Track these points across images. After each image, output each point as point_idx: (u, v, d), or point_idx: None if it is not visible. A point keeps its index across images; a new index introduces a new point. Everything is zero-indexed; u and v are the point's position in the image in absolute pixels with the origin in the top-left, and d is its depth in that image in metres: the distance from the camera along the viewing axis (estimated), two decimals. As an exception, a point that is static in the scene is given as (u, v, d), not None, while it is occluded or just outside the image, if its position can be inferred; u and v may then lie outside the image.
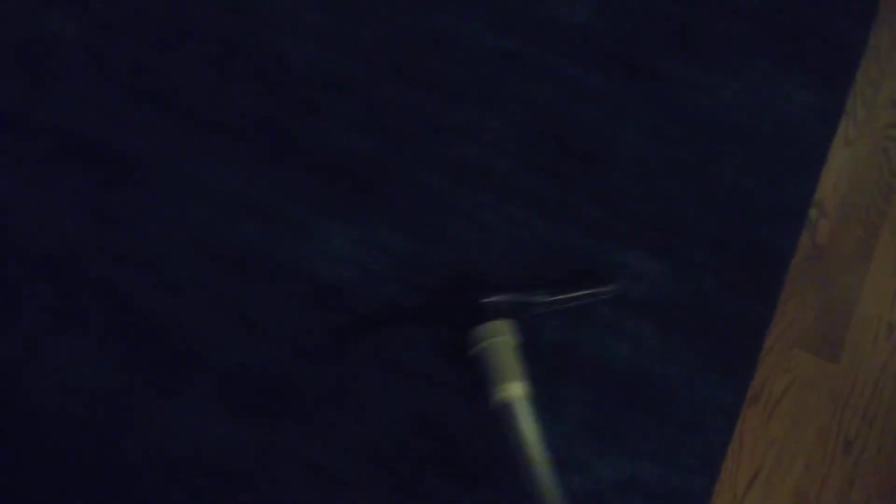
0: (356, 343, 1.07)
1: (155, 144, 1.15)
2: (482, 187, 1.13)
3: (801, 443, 1.06)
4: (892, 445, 1.06)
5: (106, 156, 1.15)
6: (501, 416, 0.98)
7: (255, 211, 1.12)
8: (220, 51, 1.21)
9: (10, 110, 1.18)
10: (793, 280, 1.10)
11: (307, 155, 1.15)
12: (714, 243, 1.10)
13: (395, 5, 1.22)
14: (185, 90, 1.19)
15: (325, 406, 1.05)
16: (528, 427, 0.97)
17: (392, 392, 1.06)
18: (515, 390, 0.99)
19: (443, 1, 1.21)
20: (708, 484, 1.04)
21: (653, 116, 1.15)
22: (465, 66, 1.17)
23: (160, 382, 1.05)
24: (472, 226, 1.12)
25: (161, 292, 1.09)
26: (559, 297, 1.06)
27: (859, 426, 1.07)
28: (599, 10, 1.19)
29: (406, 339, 1.08)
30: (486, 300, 1.03)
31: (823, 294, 1.14)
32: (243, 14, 1.24)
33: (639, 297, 1.08)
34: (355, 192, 1.14)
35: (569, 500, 0.99)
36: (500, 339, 1.02)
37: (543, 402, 1.05)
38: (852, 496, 1.05)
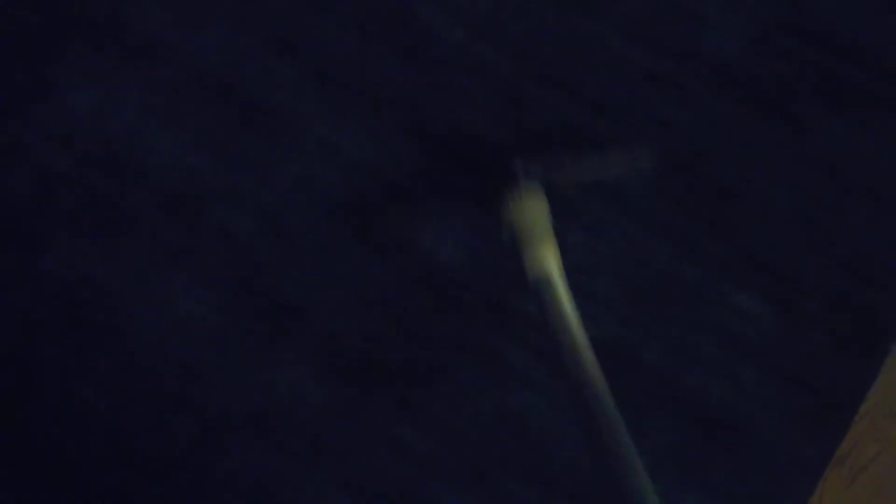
0: (387, 214, 1.08)
1: (292, 99, 1.16)
2: (607, 201, 1.12)
3: (880, 514, 1.06)
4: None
5: (243, 102, 1.16)
6: (536, 285, 0.98)
7: (380, 181, 1.13)
8: (368, 18, 1.21)
9: (158, 40, 1.19)
10: (897, 350, 1.09)
11: (439, 135, 1.16)
12: (828, 299, 1.10)
13: (547, 5, 1.22)
14: (329, 52, 1.19)
15: (418, 386, 1.06)
16: (562, 295, 0.97)
17: (484, 383, 1.06)
18: (548, 259, 0.99)
19: (596, 12, 1.20)
20: (781, 536, 1.04)
21: (788, 162, 1.14)
22: (609, 79, 1.17)
23: (260, 332, 1.06)
24: (589, 237, 1.12)
25: (276, 244, 1.10)
26: (591, 162, 1.06)
27: (939, 508, 1.06)
28: (750, 48, 1.18)
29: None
30: (518, 167, 1.04)
31: (925, 370, 1.13)
32: (394, -15, 1.24)
33: (745, 340, 1.08)
34: (480, 179, 1.14)
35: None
36: (534, 210, 1.02)
37: (632, 425, 1.05)
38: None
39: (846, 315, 1.09)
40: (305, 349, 1.06)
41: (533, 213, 1.02)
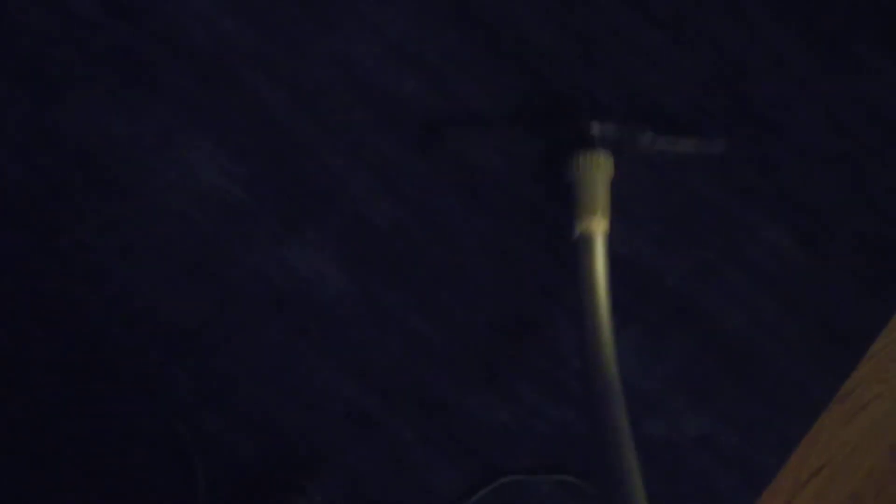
0: (456, 139, 1.06)
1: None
2: (648, 119, 1.09)
3: (872, 451, 1.09)
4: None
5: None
6: (578, 248, 0.97)
7: (419, 70, 1.08)
8: None
9: None
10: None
11: (490, 26, 1.11)
12: (856, 240, 1.09)
13: None
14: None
15: (439, 284, 1.04)
16: (601, 264, 0.95)
17: (505, 290, 1.05)
18: (598, 225, 0.97)
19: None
20: (776, 464, 1.06)
21: (835, 100, 1.11)
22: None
23: (286, 213, 1.04)
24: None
25: (308, 122, 1.05)
26: (665, 139, 1.04)
27: (931, 452, 1.09)
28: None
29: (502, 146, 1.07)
30: (592, 126, 1.01)
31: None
32: None
33: (769, 272, 1.08)
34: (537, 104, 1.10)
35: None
36: (596, 172, 0.99)
37: (647, 343, 1.06)
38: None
39: (872, 257, 1.09)
40: (329, 234, 1.04)
41: (595, 175, 0.99)
